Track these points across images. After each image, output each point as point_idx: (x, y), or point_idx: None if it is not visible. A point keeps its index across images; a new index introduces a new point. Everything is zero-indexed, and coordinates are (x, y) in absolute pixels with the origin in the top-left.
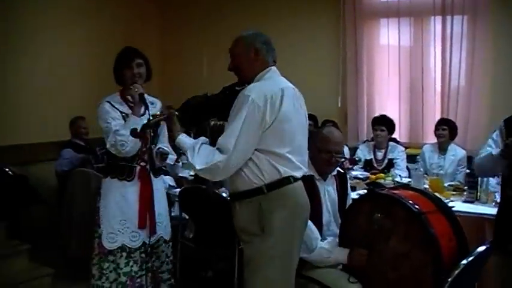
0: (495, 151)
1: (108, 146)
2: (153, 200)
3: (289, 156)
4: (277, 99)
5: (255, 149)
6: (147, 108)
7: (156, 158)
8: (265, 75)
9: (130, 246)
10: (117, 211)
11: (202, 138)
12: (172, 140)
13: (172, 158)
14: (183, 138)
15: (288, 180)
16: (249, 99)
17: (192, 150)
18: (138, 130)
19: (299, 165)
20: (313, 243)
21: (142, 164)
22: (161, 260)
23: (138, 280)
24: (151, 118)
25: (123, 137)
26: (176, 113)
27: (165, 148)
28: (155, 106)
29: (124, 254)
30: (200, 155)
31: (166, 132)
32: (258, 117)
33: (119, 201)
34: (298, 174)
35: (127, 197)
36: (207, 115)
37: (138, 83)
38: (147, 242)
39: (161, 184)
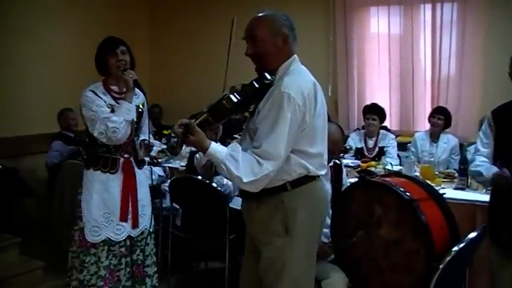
0: (486, 172)
1: (96, 134)
2: (137, 193)
3: (320, 155)
4: (312, 96)
5: None
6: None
7: (140, 149)
8: (291, 67)
9: (114, 239)
10: (100, 204)
11: (236, 145)
12: (202, 152)
13: (156, 149)
14: (216, 148)
15: (313, 178)
16: (290, 98)
17: (234, 160)
18: (135, 119)
19: (325, 164)
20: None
21: (126, 156)
22: (146, 253)
23: (117, 274)
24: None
25: (115, 124)
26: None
27: (150, 140)
28: (138, 97)
29: (106, 248)
30: (245, 166)
31: (147, 123)
32: (299, 118)
33: (102, 194)
34: (323, 172)
35: (110, 189)
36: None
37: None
38: (132, 235)
39: (144, 176)
